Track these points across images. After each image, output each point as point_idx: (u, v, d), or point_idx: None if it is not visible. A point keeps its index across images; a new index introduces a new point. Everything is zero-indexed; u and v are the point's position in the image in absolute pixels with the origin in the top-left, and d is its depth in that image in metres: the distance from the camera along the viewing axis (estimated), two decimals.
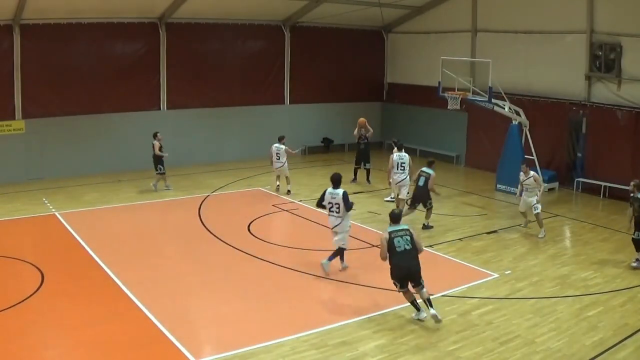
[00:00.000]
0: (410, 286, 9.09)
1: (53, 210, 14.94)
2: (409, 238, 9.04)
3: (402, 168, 14.87)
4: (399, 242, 8.95)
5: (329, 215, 10.98)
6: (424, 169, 13.92)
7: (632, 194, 11.50)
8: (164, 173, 17.05)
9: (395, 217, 9.25)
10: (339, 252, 11.07)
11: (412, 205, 13.98)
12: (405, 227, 9.21)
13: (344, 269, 11.21)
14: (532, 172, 13.77)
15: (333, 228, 10.97)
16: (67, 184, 17.58)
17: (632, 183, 11.58)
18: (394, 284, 9.16)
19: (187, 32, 20.41)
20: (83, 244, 12.40)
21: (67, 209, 15.06)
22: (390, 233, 9.04)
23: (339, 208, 10.75)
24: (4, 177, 17.43)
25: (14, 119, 17.77)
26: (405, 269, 8.96)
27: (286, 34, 22.61)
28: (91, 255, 11.72)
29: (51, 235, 13.19)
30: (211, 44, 21.17)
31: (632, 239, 11.54)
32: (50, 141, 18.32)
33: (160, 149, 16.83)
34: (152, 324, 8.85)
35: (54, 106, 18.25)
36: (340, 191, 10.80)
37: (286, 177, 17.12)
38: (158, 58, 20.00)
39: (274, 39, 22.46)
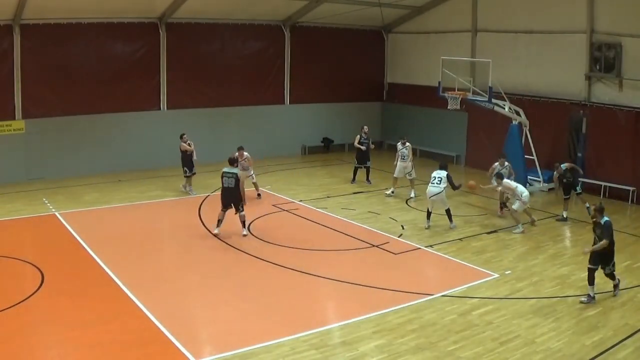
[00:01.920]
0: (234, 210, 12.86)
1: (53, 210, 14.93)
2: (233, 180, 12.64)
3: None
4: (225, 181, 12.77)
5: (430, 185, 13.96)
6: (563, 165, 15.05)
7: (593, 219, 10.01)
8: (190, 175, 16.89)
9: (230, 161, 13.02)
10: (449, 214, 14.00)
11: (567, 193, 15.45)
12: (235, 171, 12.81)
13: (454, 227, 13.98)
14: (506, 163, 15.07)
15: (431, 197, 13.88)
16: (67, 184, 17.58)
17: (593, 207, 10.17)
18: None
19: (187, 32, 20.41)
20: (83, 244, 12.40)
21: (67, 209, 15.06)
22: (223, 172, 12.85)
23: (440, 181, 13.83)
24: (4, 177, 17.41)
25: (14, 119, 17.77)
26: (226, 201, 12.86)
27: (286, 34, 22.61)
28: (91, 255, 11.72)
29: (51, 235, 13.18)
30: (211, 44, 21.17)
31: (588, 268, 9.98)
32: (50, 141, 18.30)
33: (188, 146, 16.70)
34: (152, 324, 8.85)
35: (54, 106, 18.24)
36: (444, 172, 13.94)
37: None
38: (158, 58, 19.99)
39: (274, 39, 22.46)
